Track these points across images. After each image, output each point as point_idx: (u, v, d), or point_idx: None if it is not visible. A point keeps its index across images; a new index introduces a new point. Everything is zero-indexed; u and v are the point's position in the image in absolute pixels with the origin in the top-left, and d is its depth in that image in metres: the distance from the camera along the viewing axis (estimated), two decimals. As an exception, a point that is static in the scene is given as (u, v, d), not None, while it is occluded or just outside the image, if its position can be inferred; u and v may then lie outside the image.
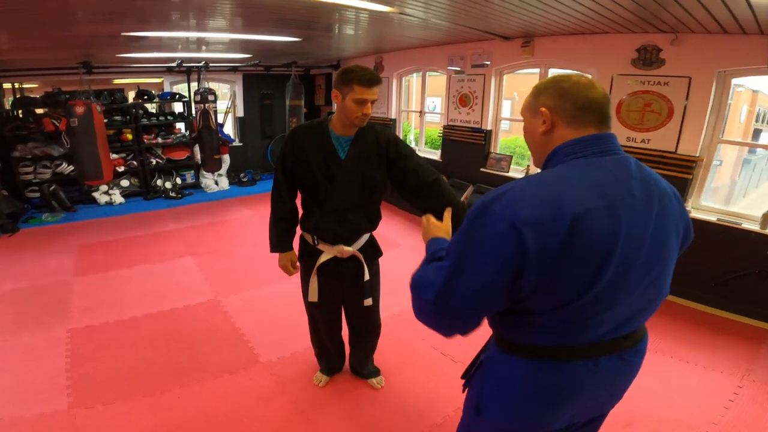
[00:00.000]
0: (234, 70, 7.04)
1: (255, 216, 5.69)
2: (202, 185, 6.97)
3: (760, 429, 2.09)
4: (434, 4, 3.09)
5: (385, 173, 1.88)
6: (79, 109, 5.06)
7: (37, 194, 5.82)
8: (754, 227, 3.14)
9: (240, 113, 7.60)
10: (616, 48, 3.60)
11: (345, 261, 1.97)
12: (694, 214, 3.42)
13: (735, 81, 3.26)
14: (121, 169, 6.30)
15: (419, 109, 6.00)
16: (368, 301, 2.08)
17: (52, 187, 5.82)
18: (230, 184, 7.24)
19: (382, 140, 1.86)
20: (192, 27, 3.93)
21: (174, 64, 6.11)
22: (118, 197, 6.21)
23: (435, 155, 5.66)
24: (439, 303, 0.91)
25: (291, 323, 2.98)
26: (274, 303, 3.32)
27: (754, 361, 2.68)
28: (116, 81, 7.10)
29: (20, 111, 5.94)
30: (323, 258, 1.94)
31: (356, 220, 1.90)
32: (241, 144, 7.70)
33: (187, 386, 2.39)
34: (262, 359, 2.65)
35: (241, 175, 7.42)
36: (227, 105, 7.60)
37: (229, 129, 7.80)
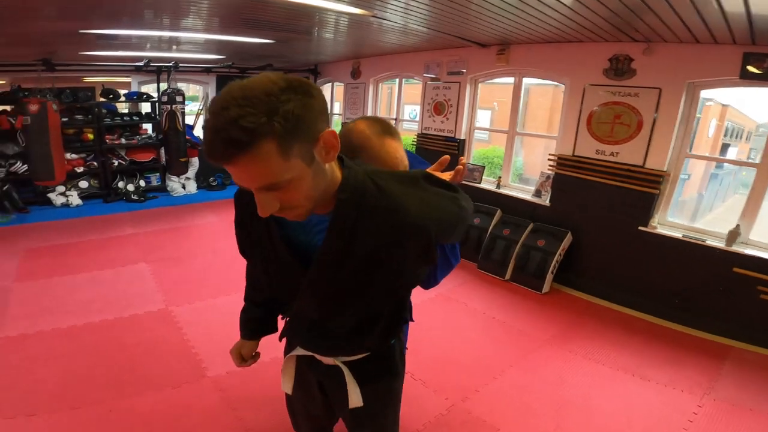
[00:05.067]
0: (207, 71, 6.83)
1: (220, 222, 5.45)
2: (168, 189, 6.68)
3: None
4: (413, 10, 3.02)
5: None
6: (33, 107, 4.78)
7: (-11, 194, 5.46)
8: (720, 244, 3.12)
9: (212, 116, 7.37)
10: (589, 57, 3.58)
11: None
12: (660, 230, 3.39)
13: (705, 94, 3.27)
14: (80, 169, 5.98)
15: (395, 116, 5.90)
16: None
17: (5, 187, 5.45)
18: (198, 188, 6.96)
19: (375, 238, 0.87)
20: (163, 26, 3.76)
21: (141, 64, 5.87)
22: (75, 199, 5.87)
23: (409, 163, 5.55)
24: None
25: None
26: (229, 314, 3.05)
27: (716, 378, 2.64)
28: (86, 79, 6.79)
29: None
30: (298, 352, 1.20)
31: (348, 335, 1.09)
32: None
33: (123, 399, 2.19)
34: (210, 373, 2.44)
35: (211, 179, 7.15)
36: (199, 107, 7.36)
37: (200, 132, 7.54)
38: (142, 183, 6.45)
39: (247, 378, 2.41)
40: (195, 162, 6.72)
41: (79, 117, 6.02)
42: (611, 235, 3.66)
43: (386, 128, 1.21)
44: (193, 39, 4.48)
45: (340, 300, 0.98)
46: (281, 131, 0.66)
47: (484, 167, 4.75)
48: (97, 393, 2.21)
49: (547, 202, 4.04)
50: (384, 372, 1.19)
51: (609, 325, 3.32)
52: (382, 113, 6.21)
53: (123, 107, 6.57)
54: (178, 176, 6.42)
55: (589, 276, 3.81)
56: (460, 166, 1.14)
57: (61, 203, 5.76)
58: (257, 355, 1.34)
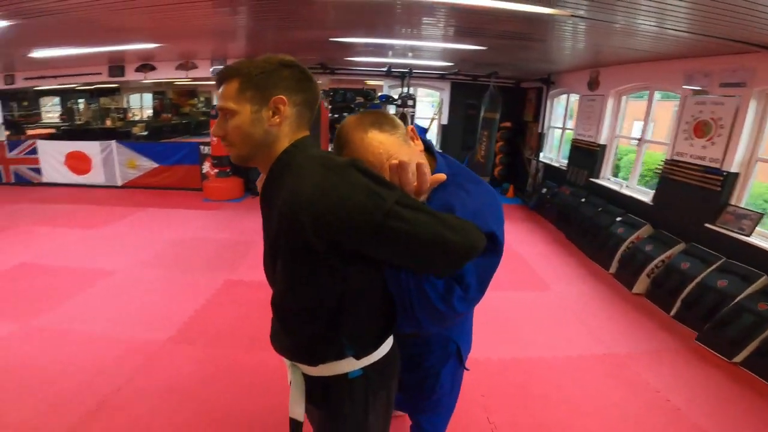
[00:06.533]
0: (442, 77, 7.22)
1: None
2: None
3: None
4: (670, 12, 2.39)
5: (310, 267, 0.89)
6: (311, 105, 6.18)
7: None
8: None
9: (444, 121, 7.77)
10: None
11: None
12: None
13: None
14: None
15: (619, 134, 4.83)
16: None
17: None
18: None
19: (290, 206, 0.83)
20: (401, 34, 4.14)
21: (384, 69, 6.68)
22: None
23: (646, 196, 4.47)
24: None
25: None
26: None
27: None
28: (369, 82, 8.12)
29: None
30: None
31: (285, 328, 1.05)
32: (440, 152, 7.88)
33: (252, 352, 2.58)
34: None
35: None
36: (434, 112, 7.89)
37: (432, 136, 8.08)
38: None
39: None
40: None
41: (345, 114, 7.40)
42: None
43: (377, 121, 1.06)
44: (418, 46, 4.74)
45: (275, 282, 0.99)
46: (246, 76, 0.89)
47: (762, 215, 3.36)
48: (241, 340, 2.69)
49: None
50: (323, 403, 1.03)
51: None
52: (625, 131, 5.19)
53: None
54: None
55: None
56: (393, 161, 0.86)
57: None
58: None
